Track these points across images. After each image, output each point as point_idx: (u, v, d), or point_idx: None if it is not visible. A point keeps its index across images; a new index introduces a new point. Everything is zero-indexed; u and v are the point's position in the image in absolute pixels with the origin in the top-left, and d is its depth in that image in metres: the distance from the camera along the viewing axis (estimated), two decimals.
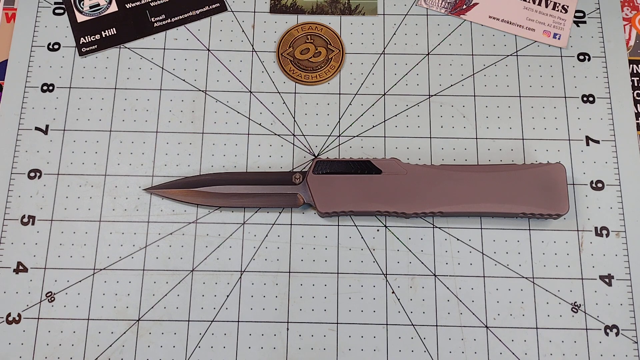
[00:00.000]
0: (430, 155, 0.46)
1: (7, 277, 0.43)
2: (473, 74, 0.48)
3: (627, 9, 0.50)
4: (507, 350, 0.42)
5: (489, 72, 0.48)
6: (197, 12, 0.50)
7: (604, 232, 0.44)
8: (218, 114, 0.47)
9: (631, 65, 0.48)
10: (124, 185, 0.45)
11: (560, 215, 0.42)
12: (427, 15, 0.50)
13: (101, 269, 0.43)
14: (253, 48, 0.49)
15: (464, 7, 0.50)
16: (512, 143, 0.46)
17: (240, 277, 0.43)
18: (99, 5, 0.50)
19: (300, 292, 0.43)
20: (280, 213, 0.45)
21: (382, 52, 0.48)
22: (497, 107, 0.47)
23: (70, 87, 0.47)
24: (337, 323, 0.42)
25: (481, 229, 0.44)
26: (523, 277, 0.43)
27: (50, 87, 0.47)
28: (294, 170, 0.45)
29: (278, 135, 0.47)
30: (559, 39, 0.49)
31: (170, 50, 0.49)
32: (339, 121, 0.47)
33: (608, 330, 0.42)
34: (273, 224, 0.44)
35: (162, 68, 0.48)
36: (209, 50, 0.49)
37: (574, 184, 0.45)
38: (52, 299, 0.43)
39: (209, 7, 0.50)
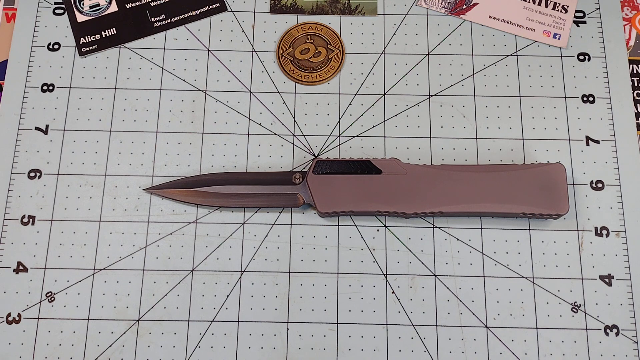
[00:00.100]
0: (430, 155, 0.46)
1: (7, 277, 0.43)
2: (473, 74, 0.48)
3: (627, 9, 0.50)
4: (507, 350, 0.42)
5: (489, 72, 0.48)
6: (197, 12, 0.50)
7: (604, 232, 0.44)
8: (218, 114, 0.47)
9: (631, 65, 0.48)
10: (124, 185, 0.45)
11: (560, 215, 0.42)
12: (427, 15, 0.50)
13: (101, 269, 0.43)
14: (253, 48, 0.49)
15: (464, 7, 0.50)
16: (512, 143, 0.46)
17: (240, 277, 0.43)
18: (99, 5, 0.50)
19: (300, 292, 0.43)
20: (280, 213, 0.45)
21: (382, 52, 0.48)
22: (497, 107, 0.47)
23: (70, 87, 0.47)
24: (337, 323, 0.42)
25: (481, 229, 0.44)
26: (523, 277, 0.43)
27: (50, 87, 0.47)
28: (294, 170, 0.45)
29: (278, 135, 0.46)
30: (559, 39, 0.49)
31: (170, 50, 0.49)
32: (339, 121, 0.47)
33: (608, 330, 0.42)
34: (273, 224, 0.44)
35: (162, 68, 0.48)
36: (209, 50, 0.49)
37: (574, 184, 0.45)
38: (52, 299, 0.43)
39: (209, 7, 0.50)
